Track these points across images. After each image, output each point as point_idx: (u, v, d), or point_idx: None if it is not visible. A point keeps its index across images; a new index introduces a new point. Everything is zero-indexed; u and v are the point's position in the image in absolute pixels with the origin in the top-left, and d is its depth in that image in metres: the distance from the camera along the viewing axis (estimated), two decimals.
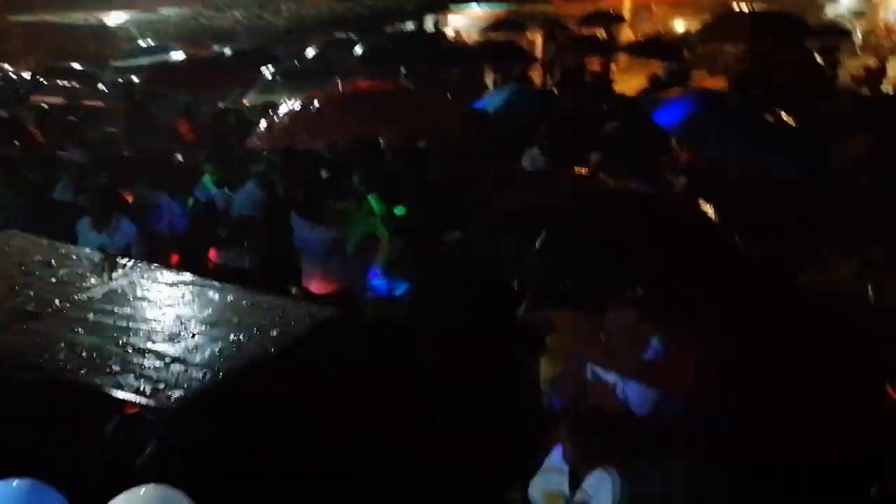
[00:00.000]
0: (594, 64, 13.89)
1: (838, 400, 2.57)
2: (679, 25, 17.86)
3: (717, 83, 11.69)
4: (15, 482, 1.40)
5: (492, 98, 7.62)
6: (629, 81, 12.93)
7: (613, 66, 14.99)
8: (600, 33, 15.88)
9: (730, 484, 2.34)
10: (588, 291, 2.54)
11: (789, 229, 3.48)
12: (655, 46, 13.12)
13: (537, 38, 17.54)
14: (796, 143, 4.62)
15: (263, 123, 5.41)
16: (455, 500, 3.05)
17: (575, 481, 2.57)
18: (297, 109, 5.07)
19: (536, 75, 13.40)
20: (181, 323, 2.68)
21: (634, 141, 5.47)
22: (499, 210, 2.74)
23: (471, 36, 17.88)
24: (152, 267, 3.24)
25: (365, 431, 2.63)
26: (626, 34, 18.22)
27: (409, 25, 17.91)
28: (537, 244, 2.36)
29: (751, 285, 2.68)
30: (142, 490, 1.48)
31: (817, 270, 3.09)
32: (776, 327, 2.44)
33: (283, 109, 5.30)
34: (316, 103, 5.08)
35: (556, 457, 2.67)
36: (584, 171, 4.46)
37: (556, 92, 9.28)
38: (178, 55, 11.67)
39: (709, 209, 2.90)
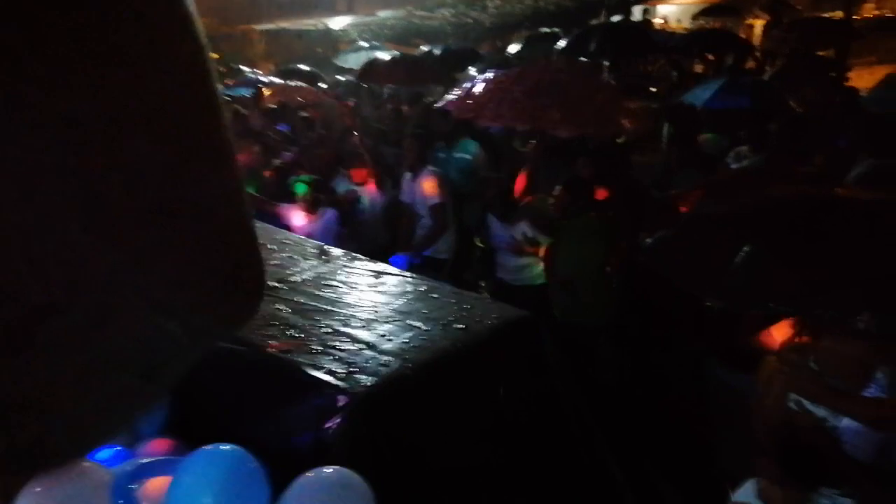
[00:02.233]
0: (826, 51, 12.35)
1: None
2: None
3: None
4: (221, 447, 1.57)
5: (700, 92, 7.12)
6: (870, 72, 11.35)
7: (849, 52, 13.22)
8: (836, 14, 14.06)
9: None
10: (801, 312, 2.26)
11: None
12: None
13: (756, 23, 16.06)
14: None
15: (458, 90, 5.49)
16: None
17: None
18: (483, 88, 5.12)
19: (754, 66, 12.27)
20: (376, 310, 2.85)
21: (867, 143, 4.77)
22: (696, 216, 2.51)
23: (681, 24, 16.89)
24: (354, 255, 3.50)
25: (543, 439, 2.61)
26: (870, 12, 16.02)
27: (615, 16, 17.36)
28: (741, 256, 2.13)
29: None
30: (325, 471, 1.58)
31: None
32: None
33: (479, 80, 5.34)
34: (505, 84, 5.07)
35: (748, 492, 2.43)
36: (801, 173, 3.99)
37: (774, 84, 8.41)
38: (387, 54, 12.41)
39: None
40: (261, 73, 13.65)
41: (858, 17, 14.82)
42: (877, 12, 16.36)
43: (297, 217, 5.06)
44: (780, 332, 2.56)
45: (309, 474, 1.57)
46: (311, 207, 5.08)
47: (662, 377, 3.67)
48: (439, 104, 5.74)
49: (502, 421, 2.44)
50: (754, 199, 2.46)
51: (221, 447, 1.55)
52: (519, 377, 2.64)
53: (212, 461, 1.50)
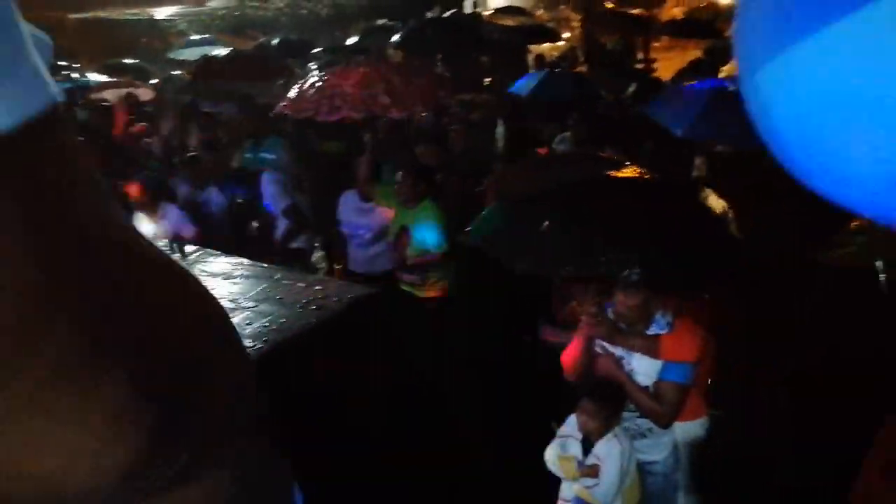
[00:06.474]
0: (633, 44, 13.72)
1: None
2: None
3: None
4: None
5: (525, 82, 7.79)
6: (672, 63, 12.79)
7: (655, 46, 14.76)
8: (640, 11, 15.57)
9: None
10: (596, 275, 2.76)
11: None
12: (695, 25, 12.92)
13: (574, 18, 17.40)
14: None
15: (292, 92, 5.82)
16: (480, 463, 3.34)
17: (587, 446, 2.83)
18: (315, 87, 5.50)
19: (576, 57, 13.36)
20: (232, 300, 3.02)
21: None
22: (516, 196, 2.94)
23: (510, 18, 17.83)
24: (206, 251, 3.61)
25: (397, 398, 2.93)
26: (671, 13, 17.89)
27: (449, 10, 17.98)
28: (540, 230, 2.57)
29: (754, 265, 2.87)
30: None
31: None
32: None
33: (309, 81, 5.72)
34: (335, 80, 5.52)
35: (570, 425, 2.93)
36: (608, 156, 4.60)
37: (587, 74, 9.33)
38: (223, 48, 12.10)
39: (713, 196, 3.07)
40: (74, 67, 12.68)
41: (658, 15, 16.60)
42: (675, 10, 18.31)
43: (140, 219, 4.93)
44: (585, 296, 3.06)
45: None
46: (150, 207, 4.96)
47: (501, 347, 4.11)
48: (276, 110, 6.00)
49: (356, 387, 2.74)
50: (549, 182, 2.95)
51: None
52: (370, 348, 2.95)
53: None
